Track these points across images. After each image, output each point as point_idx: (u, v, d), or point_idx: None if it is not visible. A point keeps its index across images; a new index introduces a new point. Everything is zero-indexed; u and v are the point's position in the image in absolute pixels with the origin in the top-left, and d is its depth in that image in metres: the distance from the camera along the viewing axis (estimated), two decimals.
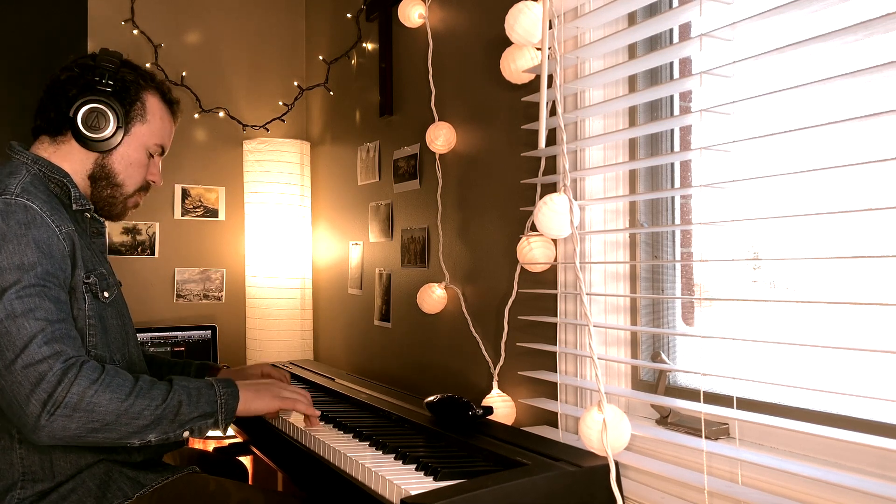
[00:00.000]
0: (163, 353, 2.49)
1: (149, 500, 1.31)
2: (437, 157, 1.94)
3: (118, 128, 1.38)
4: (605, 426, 1.14)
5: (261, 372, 1.66)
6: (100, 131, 1.36)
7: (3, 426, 1.24)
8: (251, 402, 1.32)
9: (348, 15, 2.57)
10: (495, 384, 1.65)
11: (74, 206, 1.35)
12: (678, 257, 1.38)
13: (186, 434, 1.24)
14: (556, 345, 1.48)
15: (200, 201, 2.82)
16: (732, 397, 1.14)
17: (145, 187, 1.49)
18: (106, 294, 1.34)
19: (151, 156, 1.47)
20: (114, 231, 2.66)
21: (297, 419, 1.49)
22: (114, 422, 1.15)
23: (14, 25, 2.55)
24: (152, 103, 1.44)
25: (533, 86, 1.57)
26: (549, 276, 1.54)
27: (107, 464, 1.31)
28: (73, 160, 1.38)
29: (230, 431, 1.96)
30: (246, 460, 2.17)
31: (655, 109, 1.41)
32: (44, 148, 1.38)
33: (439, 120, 1.93)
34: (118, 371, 1.20)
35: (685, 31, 1.35)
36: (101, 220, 1.44)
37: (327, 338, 2.77)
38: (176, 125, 1.53)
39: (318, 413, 1.43)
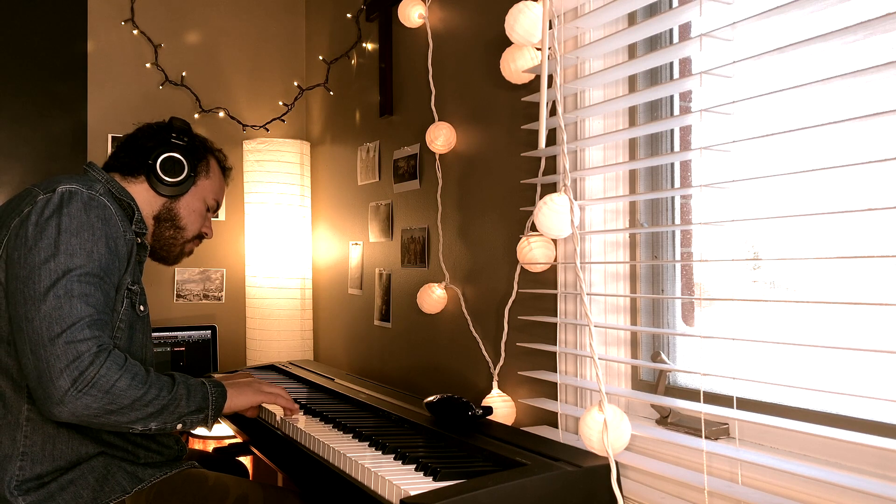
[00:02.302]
0: (162, 354, 2.49)
1: (147, 494, 1.32)
2: (437, 157, 1.94)
3: (189, 177, 1.53)
4: (605, 426, 1.14)
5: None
6: (175, 176, 1.50)
7: (15, 404, 1.27)
8: (235, 398, 1.42)
9: (348, 15, 2.57)
10: (495, 384, 1.65)
11: (134, 228, 1.42)
12: (678, 257, 1.38)
13: (179, 426, 1.31)
14: (556, 345, 1.48)
15: None
16: (732, 397, 1.14)
17: (199, 237, 1.63)
18: (142, 308, 1.43)
19: (208, 210, 1.61)
20: None
21: (278, 412, 1.58)
22: (128, 406, 1.22)
23: (14, 25, 2.55)
24: (213, 164, 1.61)
25: (533, 86, 1.57)
26: (549, 276, 1.54)
27: (106, 457, 1.32)
28: (140, 197, 1.48)
29: (230, 431, 1.96)
30: (246, 460, 2.17)
31: (655, 109, 1.41)
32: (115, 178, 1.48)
33: (439, 120, 1.93)
34: (134, 361, 1.27)
35: (685, 31, 1.35)
36: (147, 247, 1.51)
37: (327, 338, 2.77)
38: (227, 188, 1.70)
39: (297, 406, 1.55)
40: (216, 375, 1.74)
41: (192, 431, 2.42)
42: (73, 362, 1.16)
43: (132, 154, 1.49)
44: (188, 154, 1.52)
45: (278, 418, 1.55)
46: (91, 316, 1.21)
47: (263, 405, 1.62)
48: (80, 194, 1.29)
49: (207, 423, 1.36)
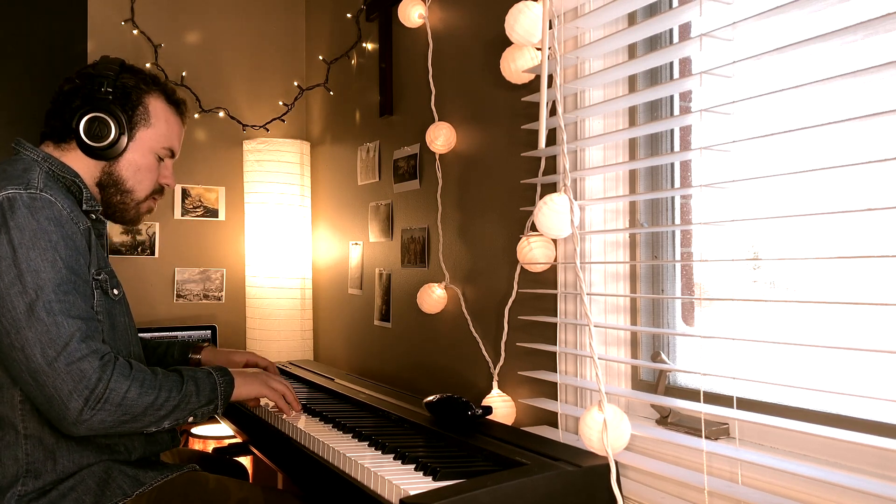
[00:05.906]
0: None
1: (148, 498, 1.32)
2: (437, 157, 1.94)
3: (121, 135, 1.37)
4: (605, 426, 1.14)
5: (245, 360, 1.73)
6: (102, 140, 1.35)
7: (9, 421, 1.25)
8: (241, 387, 1.43)
9: (348, 15, 2.57)
10: (495, 384, 1.65)
11: (84, 207, 1.36)
12: (678, 257, 1.38)
13: (191, 419, 1.33)
14: (556, 345, 1.48)
15: (200, 201, 2.82)
16: (732, 397, 1.14)
17: (158, 191, 1.50)
18: (115, 292, 1.38)
19: (161, 159, 1.47)
20: (114, 231, 2.66)
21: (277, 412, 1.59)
22: (141, 413, 1.23)
23: (14, 26, 2.55)
24: (156, 106, 1.43)
25: (533, 86, 1.57)
26: (549, 276, 1.54)
27: (107, 463, 1.31)
28: (79, 166, 1.38)
29: (230, 431, 1.96)
30: (246, 461, 2.17)
31: (655, 109, 1.41)
32: (49, 150, 1.39)
33: (439, 120, 1.93)
34: (139, 365, 1.27)
35: (685, 31, 1.35)
36: (105, 221, 1.45)
37: (327, 338, 2.77)
38: (184, 125, 1.52)
39: (300, 407, 1.54)
40: (217, 349, 1.75)
41: (192, 431, 2.43)
42: (79, 383, 1.15)
43: (60, 116, 1.36)
44: (117, 107, 1.36)
45: (278, 418, 1.54)
46: (80, 329, 1.18)
47: (263, 402, 1.62)
48: (19, 199, 1.20)
49: (217, 413, 1.38)
